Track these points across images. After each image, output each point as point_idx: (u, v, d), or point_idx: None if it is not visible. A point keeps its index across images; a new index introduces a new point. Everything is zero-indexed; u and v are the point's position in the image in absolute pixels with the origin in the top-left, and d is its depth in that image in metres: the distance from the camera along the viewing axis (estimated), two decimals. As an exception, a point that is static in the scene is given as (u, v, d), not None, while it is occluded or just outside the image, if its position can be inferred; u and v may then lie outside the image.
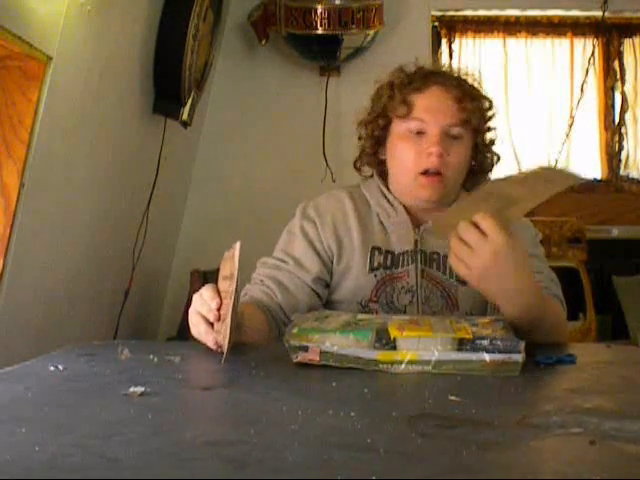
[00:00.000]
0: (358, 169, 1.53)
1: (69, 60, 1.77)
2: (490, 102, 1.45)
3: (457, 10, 3.55)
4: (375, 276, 1.39)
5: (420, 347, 0.97)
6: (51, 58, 1.66)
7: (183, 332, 2.85)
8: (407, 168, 1.39)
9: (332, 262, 1.42)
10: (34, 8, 1.56)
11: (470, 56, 3.62)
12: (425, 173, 1.36)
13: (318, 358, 0.98)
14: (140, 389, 0.83)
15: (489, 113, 1.45)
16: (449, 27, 3.63)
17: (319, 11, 3.04)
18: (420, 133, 1.38)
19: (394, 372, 0.97)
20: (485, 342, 0.97)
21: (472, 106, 1.39)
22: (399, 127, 1.41)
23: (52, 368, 0.96)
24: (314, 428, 0.70)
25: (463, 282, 1.35)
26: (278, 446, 0.64)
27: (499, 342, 0.97)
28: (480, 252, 1.08)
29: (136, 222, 2.48)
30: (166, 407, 0.78)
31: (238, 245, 1.03)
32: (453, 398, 0.81)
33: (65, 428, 0.70)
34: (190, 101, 2.56)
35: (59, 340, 1.74)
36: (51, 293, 1.97)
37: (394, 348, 0.98)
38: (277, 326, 1.33)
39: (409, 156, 1.38)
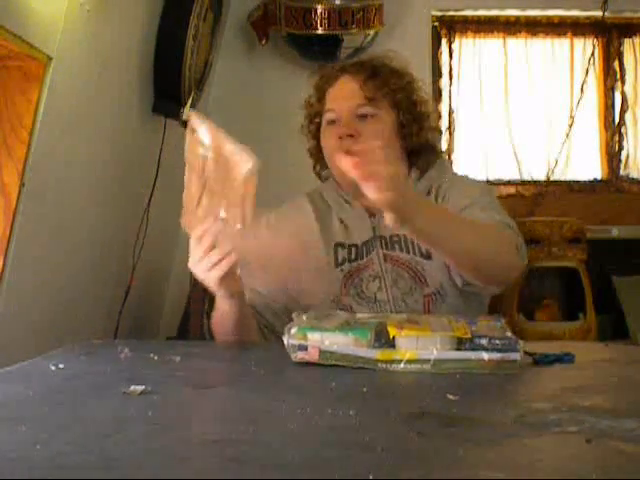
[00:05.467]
0: (318, 174, 1.58)
1: (69, 60, 1.78)
2: (409, 76, 1.48)
3: (457, 10, 3.55)
4: (342, 270, 1.43)
5: (419, 346, 0.98)
6: (51, 58, 1.66)
7: (183, 332, 2.85)
8: (332, 156, 1.42)
9: None
10: (34, 8, 1.56)
11: (470, 56, 3.62)
12: None
13: (317, 357, 0.99)
14: (140, 388, 0.83)
15: (412, 86, 1.48)
16: (449, 27, 3.62)
17: (319, 11, 3.05)
18: (334, 122, 1.44)
19: (393, 371, 0.97)
20: (484, 341, 0.97)
21: (376, 83, 1.43)
22: (323, 122, 1.47)
23: (52, 367, 0.97)
24: (313, 427, 0.70)
25: (428, 257, 1.38)
26: (277, 445, 0.65)
27: (497, 341, 0.97)
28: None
29: (136, 222, 2.49)
30: (166, 406, 0.79)
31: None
32: (451, 397, 0.81)
33: (65, 427, 0.70)
34: (190, 101, 2.56)
35: (59, 339, 1.74)
36: (51, 293, 1.97)
37: (393, 347, 0.98)
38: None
39: (330, 144, 1.43)
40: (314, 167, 1.57)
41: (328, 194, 1.53)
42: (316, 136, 1.51)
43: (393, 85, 1.45)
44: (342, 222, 1.48)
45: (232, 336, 1.29)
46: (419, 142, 1.47)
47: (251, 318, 1.34)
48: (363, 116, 1.41)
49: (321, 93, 1.49)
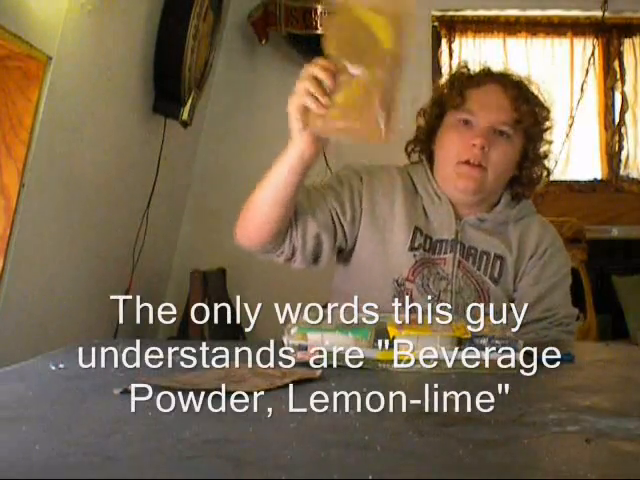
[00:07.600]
0: (408, 154, 1.54)
1: (69, 60, 1.78)
2: (548, 112, 1.47)
3: (457, 10, 3.55)
4: (414, 256, 1.40)
5: (419, 346, 0.98)
6: (51, 58, 1.66)
7: (183, 332, 2.86)
8: (450, 156, 1.41)
9: (358, 220, 1.42)
10: (34, 8, 1.56)
11: (470, 56, 3.62)
12: (466, 163, 1.38)
13: (317, 357, 0.99)
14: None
15: (546, 123, 1.47)
16: (449, 27, 3.62)
17: (319, 11, 3.05)
18: (468, 124, 1.40)
19: (393, 371, 0.97)
20: (483, 341, 0.97)
21: (526, 108, 1.41)
22: (451, 117, 1.44)
23: (53, 367, 0.97)
24: (312, 426, 0.70)
25: (495, 282, 1.40)
26: (277, 444, 0.65)
27: (497, 341, 0.97)
28: None
29: (136, 222, 2.49)
30: (165, 406, 0.79)
31: None
32: (451, 396, 0.81)
33: (65, 427, 0.70)
34: (190, 101, 2.56)
35: (59, 339, 1.75)
36: (51, 293, 1.97)
37: (393, 347, 0.98)
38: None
39: (454, 145, 1.40)
40: (406, 147, 1.53)
41: (418, 179, 1.48)
42: (432, 122, 1.48)
43: (538, 116, 1.44)
44: (425, 211, 1.45)
45: (265, 212, 1.38)
46: (529, 177, 1.48)
47: (293, 202, 1.34)
48: (501, 132, 1.39)
49: (461, 88, 1.44)
